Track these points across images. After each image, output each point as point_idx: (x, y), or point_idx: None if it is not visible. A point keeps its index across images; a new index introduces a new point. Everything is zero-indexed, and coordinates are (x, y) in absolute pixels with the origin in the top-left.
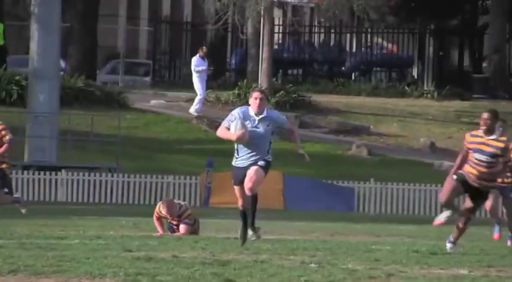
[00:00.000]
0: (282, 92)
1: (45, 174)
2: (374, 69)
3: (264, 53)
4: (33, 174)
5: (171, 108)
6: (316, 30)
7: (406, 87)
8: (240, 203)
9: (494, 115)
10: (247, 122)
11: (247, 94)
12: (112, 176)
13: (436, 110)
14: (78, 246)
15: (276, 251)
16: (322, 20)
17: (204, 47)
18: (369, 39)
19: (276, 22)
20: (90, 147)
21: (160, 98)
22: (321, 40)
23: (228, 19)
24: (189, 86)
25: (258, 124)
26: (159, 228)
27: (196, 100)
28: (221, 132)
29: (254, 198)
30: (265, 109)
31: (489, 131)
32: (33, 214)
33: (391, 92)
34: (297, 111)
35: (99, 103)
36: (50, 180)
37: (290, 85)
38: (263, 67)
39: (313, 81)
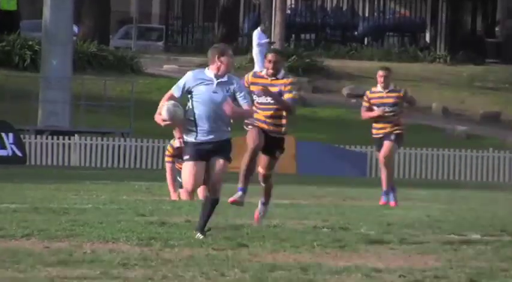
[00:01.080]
0: (294, 56)
1: (58, 138)
2: (386, 33)
3: (277, 18)
4: (47, 138)
5: (184, 73)
6: None
7: (419, 52)
8: (189, 187)
9: (389, 71)
10: (199, 84)
11: None
12: (125, 141)
13: (448, 75)
14: (91, 210)
15: (288, 216)
16: None
17: (267, 22)
18: (381, 4)
19: None
20: (103, 112)
21: (173, 63)
22: (333, 4)
23: None
24: (201, 51)
25: (216, 89)
26: (170, 183)
27: None
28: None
29: (214, 202)
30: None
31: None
32: (47, 178)
33: (404, 57)
34: (309, 76)
35: (112, 68)
36: (63, 144)
37: (303, 50)
38: (276, 32)
39: (325, 46)
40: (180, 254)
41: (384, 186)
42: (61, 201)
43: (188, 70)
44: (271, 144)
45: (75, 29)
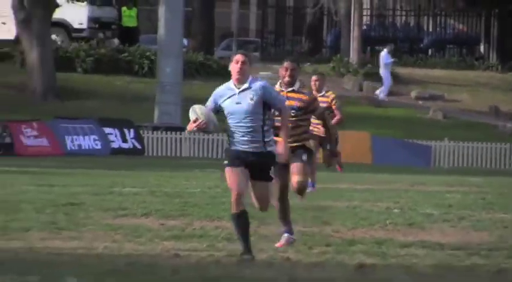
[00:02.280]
0: (370, 65)
1: (171, 133)
2: (447, 46)
3: (355, 33)
4: (161, 133)
5: (277, 79)
6: (398, 13)
7: (475, 61)
8: (233, 197)
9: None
10: (225, 99)
11: (341, 67)
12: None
13: (499, 80)
14: (200, 194)
15: (365, 198)
16: (403, 4)
17: (392, 45)
18: (442, 21)
19: (364, 6)
20: None
21: (268, 70)
22: (402, 21)
23: (324, 4)
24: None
25: (238, 99)
26: None
27: (383, 88)
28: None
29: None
30: (250, 78)
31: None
32: (162, 167)
33: (462, 66)
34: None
35: (216, 75)
36: (176, 138)
37: (376, 59)
38: (354, 44)
39: (396, 56)
40: (273, 231)
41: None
42: (174, 186)
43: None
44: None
45: (185, 42)
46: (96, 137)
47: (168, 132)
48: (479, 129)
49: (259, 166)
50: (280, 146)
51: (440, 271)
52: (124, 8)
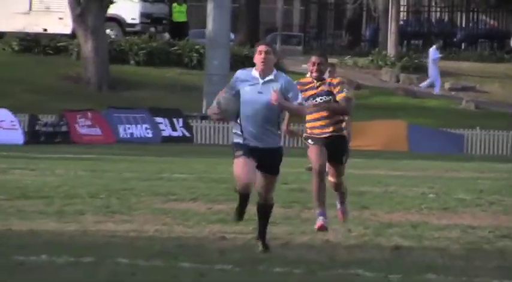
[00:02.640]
0: (406, 58)
1: (218, 123)
2: (479, 40)
3: (392, 28)
4: (209, 122)
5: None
6: (433, 9)
7: (505, 55)
8: (239, 182)
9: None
10: (247, 85)
11: (379, 60)
12: None
13: None
14: None
15: (401, 184)
16: (438, 1)
17: (441, 41)
18: (475, 17)
19: (402, 3)
20: None
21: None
22: (437, 17)
23: (363, 1)
24: (332, 53)
25: (261, 89)
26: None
27: (429, 82)
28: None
29: (268, 207)
30: (275, 71)
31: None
32: (209, 154)
33: (493, 59)
34: (418, 73)
35: None
36: (222, 127)
37: (412, 53)
38: (391, 38)
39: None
40: (314, 215)
41: None
42: (220, 172)
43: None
44: (334, 147)
45: (232, 36)
46: (148, 126)
47: (216, 122)
48: (508, 119)
49: (269, 161)
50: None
51: (472, 253)
52: (175, 4)
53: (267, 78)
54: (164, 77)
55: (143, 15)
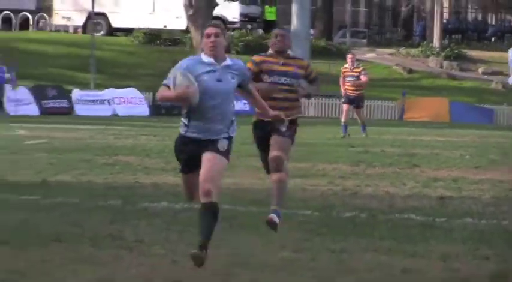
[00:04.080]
0: (448, 49)
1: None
2: (505, 35)
3: (437, 25)
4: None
5: (380, 59)
6: (470, 10)
7: None
8: (186, 197)
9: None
10: (203, 73)
11: (427, 50)
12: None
13: None
14: (321, 145)
15: (444, 148)
16: (473, 3)
17: None
18: (503, 16)
19: (445, 5)
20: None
21: (372, 53)
22: (472, 17)
23: (414, 4)
24: (390, 46)
25: (220, 76)
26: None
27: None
28: (160, 94)
29: (212, 209)
30: (227, 56)
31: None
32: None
33: None
34: (458, 61)
35: (335, 56)
36: (304, 103)
37: (454, 45)
38: (436, 33)
39: (467, 43)
40: (376, 171)
41: None
42: (302, 138)
43: (382, 57)
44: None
45: (311, 31)
46: (242, 101)
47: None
48: None
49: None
50: (269, 110)
51: (500, 201)
52: (266, 6)
53: (224, 64)
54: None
55: (242, 14)
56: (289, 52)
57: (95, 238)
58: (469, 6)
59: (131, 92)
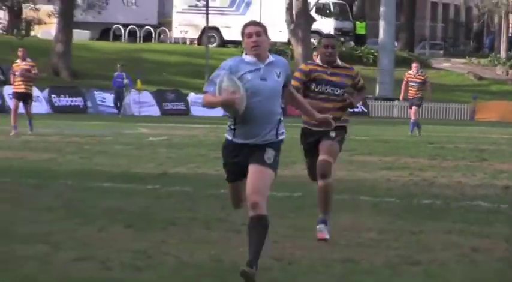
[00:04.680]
0: None
1: (387, 102)
2: None
3: (504, 38)
4: (381, 102)
5: (454, 68)
6: None
7: None
8: (233, 206)
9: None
10: (246, 72)
11: (495, 60)
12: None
13: None
14: (404, 140)
15: (510, 144)
16: None
17: None
18: None
19: (511, 21)
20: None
21: (448, 62)
22: None
23: (484, 20)
24: (463, 56)
25: (264, 74)
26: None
27: None
28: (205, 100)
29: (261, 222)
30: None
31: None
32: (383, 124)
33: None
34: None
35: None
36: (389, 105)
37: None
38: (503, 46)
39: None
40: (450, 164)
41: None
42: (388, 136)
43: (456, 66)
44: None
45: (396, 43)
46: None
47: (384, 101)
48: None
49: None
50: (314, 113)
51: None
52: (357, 22)
53: (267, 61)
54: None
55: (336, 29)
56: (338, 61)
57: (207, 222)
58: None
59: None
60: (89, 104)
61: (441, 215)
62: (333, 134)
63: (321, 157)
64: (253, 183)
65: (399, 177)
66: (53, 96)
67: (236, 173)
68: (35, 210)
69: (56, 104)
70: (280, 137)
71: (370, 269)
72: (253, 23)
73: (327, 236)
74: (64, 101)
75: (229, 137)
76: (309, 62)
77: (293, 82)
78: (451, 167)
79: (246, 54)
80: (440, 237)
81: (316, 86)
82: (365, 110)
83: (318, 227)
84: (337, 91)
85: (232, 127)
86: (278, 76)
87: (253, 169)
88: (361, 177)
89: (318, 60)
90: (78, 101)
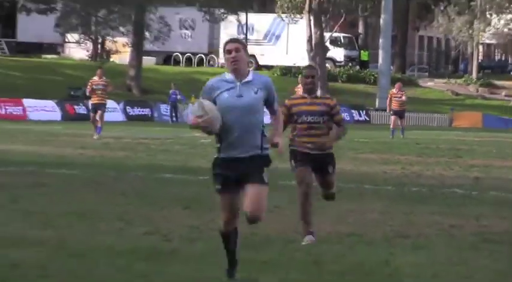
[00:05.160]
0: (482, 79)
1: (384, 112)
2: None
3: (474, 63)
4: (381, 112)
5: (436, 86)
6: (496, 54)
7: None
8: (223, 219)
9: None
10: (222, 91)
11: (468, 80)
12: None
13: None
14: (396, 143)
15: (479, 145)
16: (499, 48)
17: None
18: None
19: (481, 50)
20: None
21: (432, 82)
22: (498, 57)
23: (459, 49)
24: (442, 77)
25: (240, 91)
26: None
27: None
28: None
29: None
30: (251, 71)
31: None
32: (384, 129)
33: None
34: (488, 88)
35: (406, 84)
36: (388, 115)
37: (485, 76)
38: (474, 69)
39: (494, 75)
40: (433, 160)
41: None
42: (388, 138)
43: (437, 84)
44: (320, 162)
45: (391, 67)
46: (346, 114)
47: (383, 111)
48: None
49: (252, 169)
50: (276, 136)
51: None
52: (362, 51)
53: (245, 80)
54: (357, 89)
55: (345, 56)
56: (317, 92)
57: None
58: (496, 51)
59: None
60: (155, 114)
61: (427, 200)
62: (330, 169)
63: (327, 191)
64: (253, 202)
65: (393, 170)
66: (127, 107)
67: (227, 184)
68: (112, 195)
69: (130, 114)
70: (266, 152)
71: (371, 241)
72: (233, 40)
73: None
74: (136, 111)
75: (216, 155)
76: (292, 96)
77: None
78: (434, 162)
79: (227, 71)
80: (426, 217)
81: (298, 118)
82: (367, 119)
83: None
84: (317, 119)
85: (217, 145)
86: (256, 92)
87: (250, 189)
88: (364, 170)
89: (300, 91)
90: (146, 111)
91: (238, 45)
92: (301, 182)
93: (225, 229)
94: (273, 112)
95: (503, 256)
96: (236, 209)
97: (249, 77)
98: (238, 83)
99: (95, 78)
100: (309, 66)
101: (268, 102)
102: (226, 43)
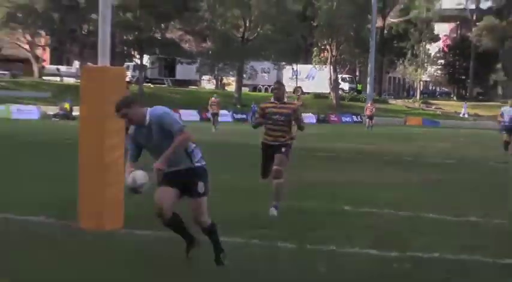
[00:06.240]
0: (422, 99)
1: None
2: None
3: (418, 90)
4: None
5: (397, 103)
6: (431, 84)
7: None
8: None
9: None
10: (136, 135)
11: (414, 101)
12: None
13: None
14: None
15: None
16: (432, 82)
17: None
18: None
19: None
20: None
21: (395, 100)
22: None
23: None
24: (401, 99)
25: (147, 132)
26: None
27: None
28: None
29: (211, 229)
30: (147, 111)
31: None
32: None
33: None
34: (425, 104)
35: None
36: None
37: (425, 98)
38: (418, 93)
39: (430, 97)
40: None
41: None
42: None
43: (400, 102)
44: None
45: (373, 93)
46: (349, 118)
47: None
48: None
49: (186, 184)
50: (161, 160)
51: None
52: (358, 84)
53: (147, 123)
54: (355, 105)
55: (349, 87)
56: (285, 99)
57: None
58: (430, 84)
59: None
60: (248, 117)
61: (391, 164)
62: (283, 149)
63: (275, 167)
64: (195, 211)
65: (370, 146)
66: (234, 114)
67: (165, 182)
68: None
69: (235, 117)
70: (197, 164)
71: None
72: (115, 109)
73: (276, 214)
74: (238, 116)
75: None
76: (267, 101)
77: (257, 114)
78: (396, 143)
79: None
80: (416, 178)
81: (269, 117)
82: (360, 120)
83: (270, 209)
84: (282, 119)
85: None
86: (157, 129)
87: (192, 203)
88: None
89: (272, 99)
90: (244, 116)
91: (121, 113)
92: (263, 176)
93: (164, 219)
94: (172, 135)
95: None
96: (169, 202)
97: (147, 119)
98: (143, 128)
99: (213, 98)
100: (277, 82)
101: (167, 129)
102: (274, 83)
